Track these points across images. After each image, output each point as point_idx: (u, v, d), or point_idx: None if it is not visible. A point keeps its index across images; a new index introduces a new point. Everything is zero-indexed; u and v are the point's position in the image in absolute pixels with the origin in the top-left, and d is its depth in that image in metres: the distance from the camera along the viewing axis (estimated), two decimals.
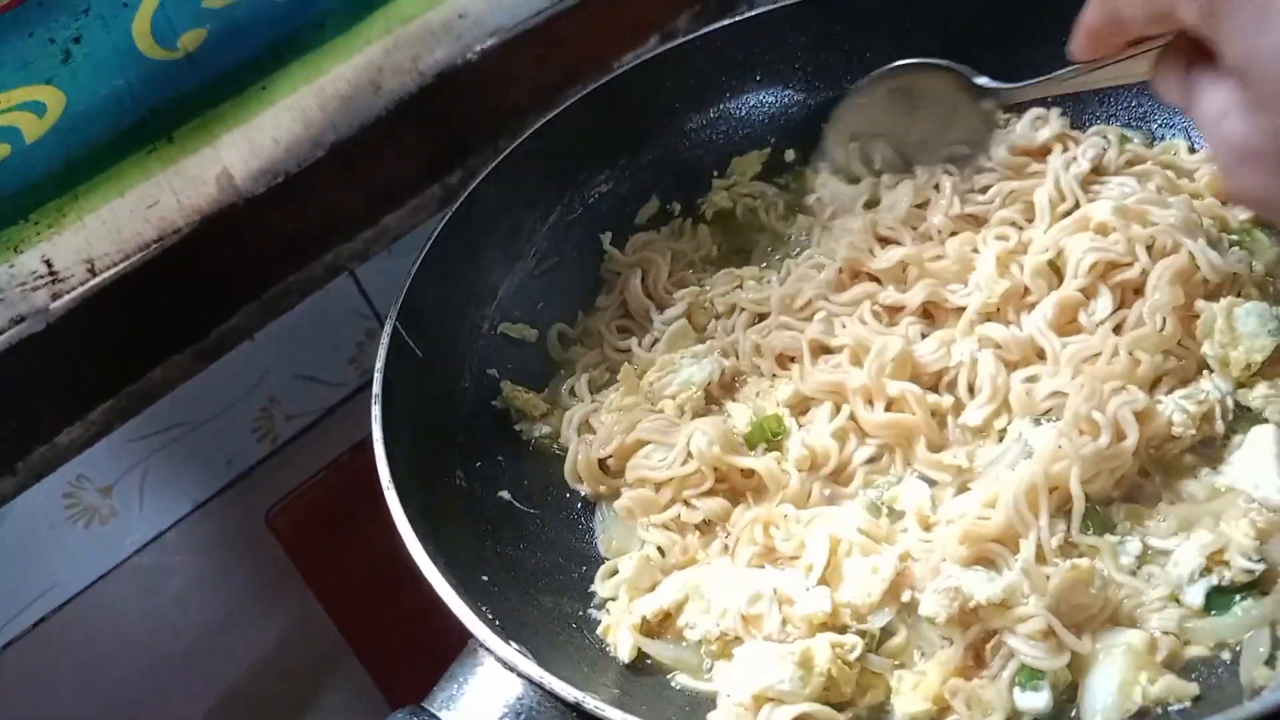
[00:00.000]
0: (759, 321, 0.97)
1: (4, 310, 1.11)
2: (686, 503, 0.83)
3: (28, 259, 1.11)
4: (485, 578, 0.83)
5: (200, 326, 1.27)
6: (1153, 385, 0.81)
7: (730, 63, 1.16)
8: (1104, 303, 0.83)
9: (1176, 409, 0.78)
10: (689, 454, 0.83)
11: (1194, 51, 0.59)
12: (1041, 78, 0.79)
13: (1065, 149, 0.93)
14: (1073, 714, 0.69)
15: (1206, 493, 0.76)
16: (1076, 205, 0.91)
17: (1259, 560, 0.70)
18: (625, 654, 0.76)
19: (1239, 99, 0.55)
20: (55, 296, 1.14)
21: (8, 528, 1.16)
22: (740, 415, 0.89)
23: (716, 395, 0.92)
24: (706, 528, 0.84)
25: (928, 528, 0.78)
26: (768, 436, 0.86)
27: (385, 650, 1.05)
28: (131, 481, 1.25)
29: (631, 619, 0.77)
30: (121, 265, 1.17)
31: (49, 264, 1.13)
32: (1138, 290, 0.85)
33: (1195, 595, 0.72)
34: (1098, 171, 0.94)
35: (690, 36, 1.15)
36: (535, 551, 0.88)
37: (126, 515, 1.25)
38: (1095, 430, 0.75)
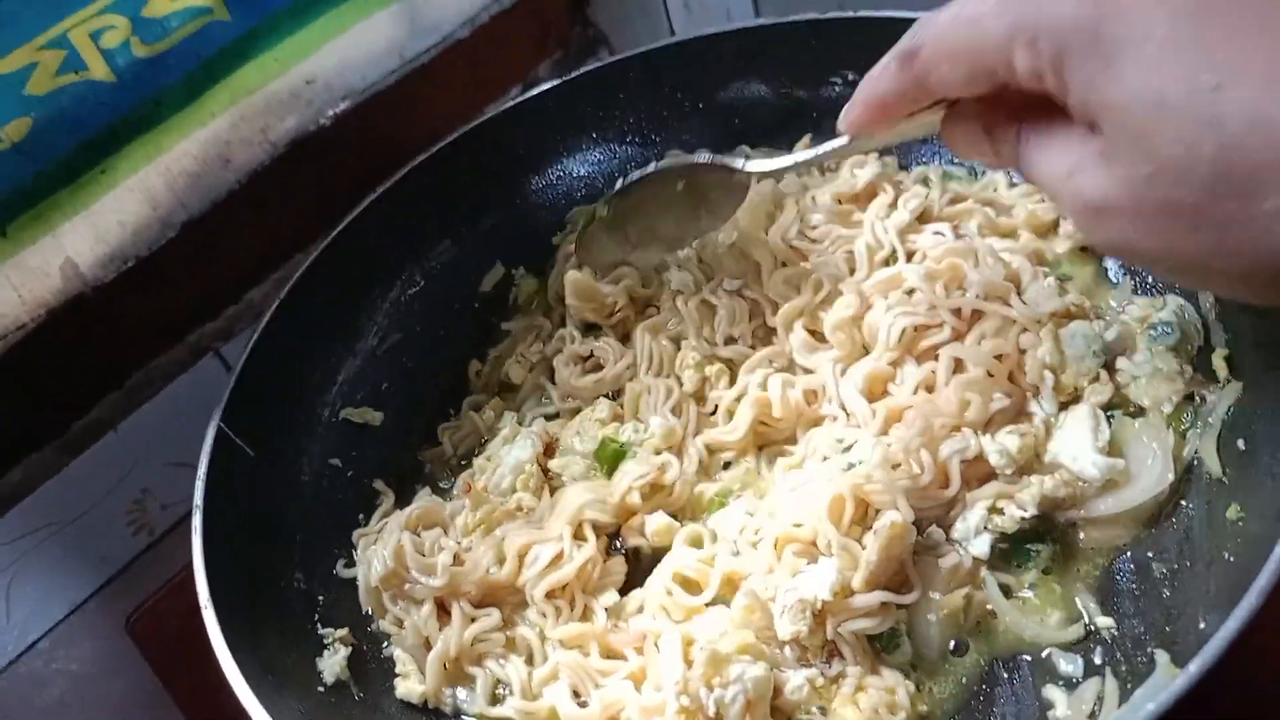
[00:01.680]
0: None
1: None
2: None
3: None
4: (320, 689, 0.80)
5: (59, 421, 1.20)
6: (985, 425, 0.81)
7: (564, 122, 1.14)
8: (910, 372, 0.83)
9: (999, 451, 0.78)
10: (577, 532, 0.83)
11: (1022, 107, 0.57)
12: (807, 152, 0.77)
13: (887, 191, 0.92)
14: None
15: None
16: (895, 252, 0.91)
17: (1031, 512, 0.77)
18: None
19: (1089, 151, 0.52)
20: None
21: None
22: (574, 465, 0.87)
23: (544, 463, 0.89)
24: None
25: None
26: (611, 454, 0.88)
27: None
28: None
29: None
30: None
31: None
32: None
33: (980, 546, 0.78)
34: (922, 216, 0.93)
35: (522, 98, 1.12)
36: (380, 651, 0.84)
37: None
38: (918, 465, 0.77)
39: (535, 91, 1.11)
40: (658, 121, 1.14)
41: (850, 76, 1.06)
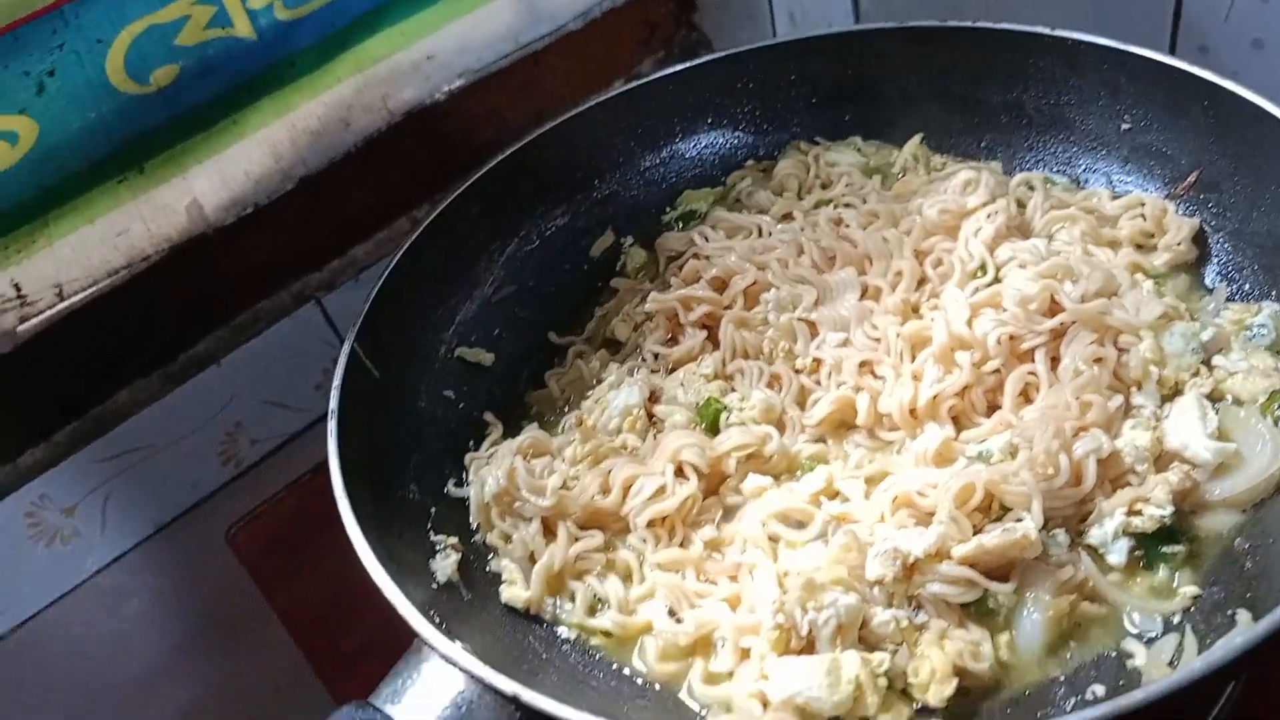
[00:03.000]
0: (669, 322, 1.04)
1: None
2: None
3: None
4: (434, 585, 0.87)
5: (167, 351, 1.29)
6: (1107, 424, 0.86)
7: (683, 105, 1.22)
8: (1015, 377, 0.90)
9: (1130, 447, 0.84)
10: (678, 470, 0.88)
11: None
12: None
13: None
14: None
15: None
16: (984, 264, 0.98)
17: (1170, 509, 0.80)
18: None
19: None
20: (23, 319, 1.16)
21: None
22: (677, 414, 0.94)
23: (649, 409, 0.96)
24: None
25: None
26: (713, 412, 0.93)
27: (346, 669, 1.07)
28: (94, 503, 1.26)
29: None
30: (90, 290, 1.19)
31: (17, 288, 1.15)
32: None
33: (1118, 554, 0.81)
34: (1021, 226, 1.00)
35: (645, 80, 1.20)
36: (485, 564, 0.91)
37: (89, 536, 1.26)
38: (1055, 468, 0.81)
39: (657, 75, 1.20)
40: (770, 111, 1.22)
41: (956, 81, 1.13)
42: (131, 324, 1.24)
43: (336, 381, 0.90)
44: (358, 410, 0.91)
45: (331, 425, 0.86)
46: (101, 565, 1.29)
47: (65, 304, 1.18)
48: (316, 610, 1.15)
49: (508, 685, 0.68)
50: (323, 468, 1.29)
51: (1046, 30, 1.05)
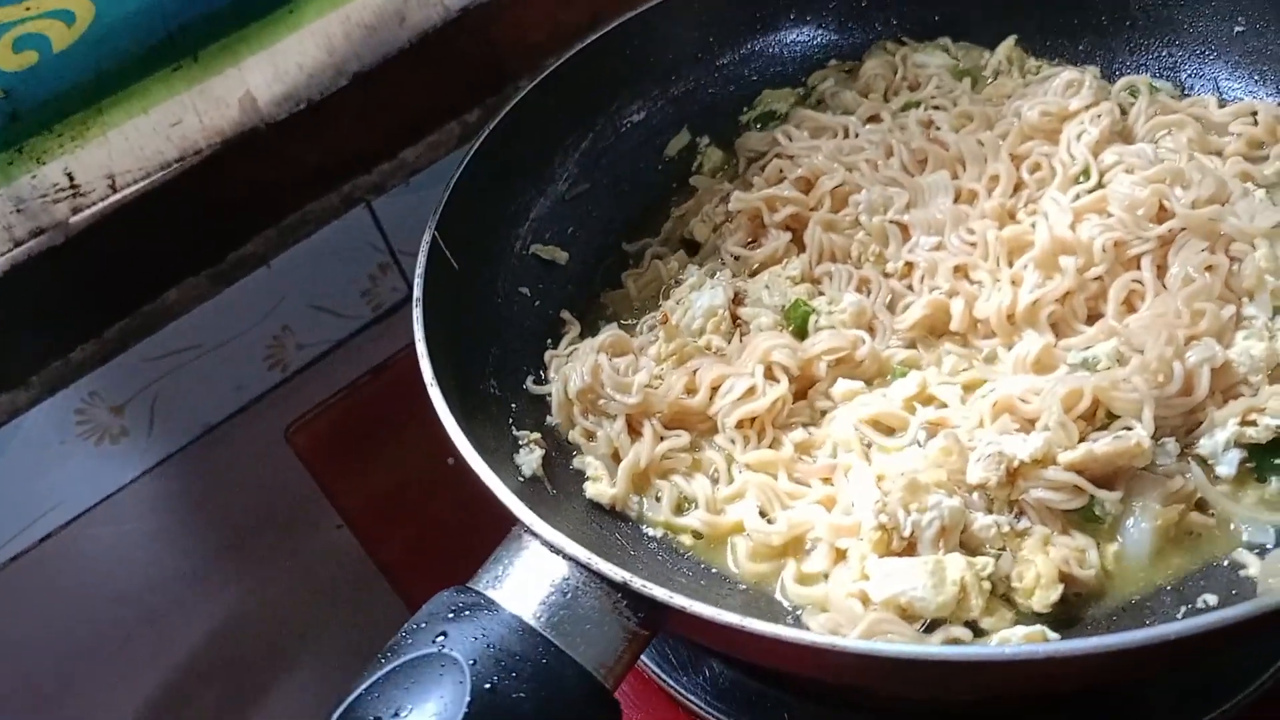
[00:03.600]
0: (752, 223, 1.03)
1: (25, 221, 1.12)
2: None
3: (50, 171, 1.11)
4: (520, 479, 0.87)
5: (216, 250, 1.28)
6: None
7: (764, 0, 1.19)
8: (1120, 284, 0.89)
9: (1244, 355, 0.82)
10: (768, 371, 0.88)
11: None
12: None
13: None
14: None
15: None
16: (1087, 169, 0.96)
17: None
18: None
19: None
20: (75, 210, 1.15)
21: (20, 441, 1.17)
22: (763, 316, 0.93)
23: (733, 310, 0.95)
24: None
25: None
26: (801, 315, 0.93)
27: (408, 563, 1.08)
28: (143, 402, 1.26)
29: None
30: (142, 183, 1.17)
31: (70, 177, 1.13)
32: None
33: (1228, 465, 0.80)
34: (1123, 132, 0.97)
35: None
36: (569, 461, 0.91)
37: (137, 435, 1.26)
38: (1167, 376, 0.80)
39: None
40: (855, 9, 1.19)
41: None
42: (182, 220, 1.23)
43: (419, 269, 0.89)
44: (438, 301, 0.90)
45: (417, 313, 0.85)
46: (149, 465, 1.30)
47: (118, 196, 1.17)
48: (378, 508, 1.16)
49: (617, 572, 0.67)
50: (382, 369, 1.30)
51: None
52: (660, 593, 0.66)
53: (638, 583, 0.67)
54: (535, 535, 0.71)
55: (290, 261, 1.31)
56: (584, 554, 0.69)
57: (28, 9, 1.02)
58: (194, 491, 1.34)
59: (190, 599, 1.37)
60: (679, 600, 0.66)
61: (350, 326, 1.41)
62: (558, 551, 0.70)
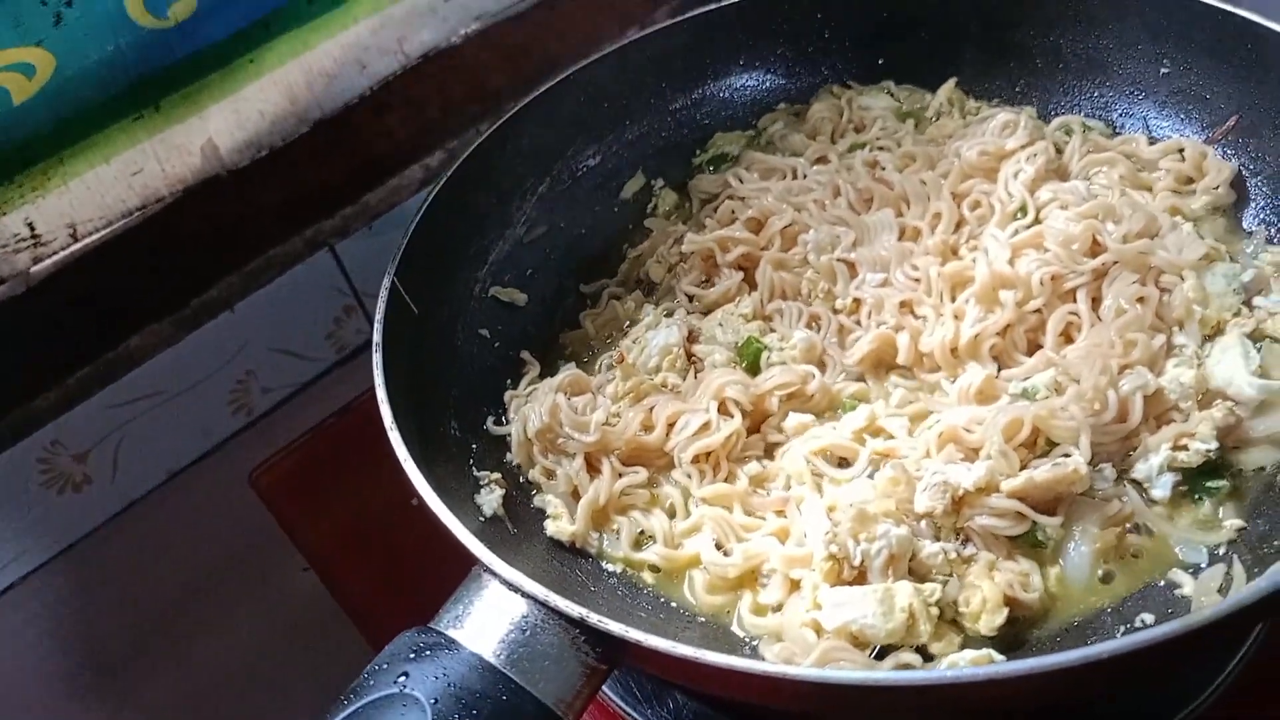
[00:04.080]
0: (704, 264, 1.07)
1: None
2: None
3: (10, 221, 1.12)
4: (480, 519, 0.88)
5: (180, 296, 1.29)
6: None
7: (714, 47, 1.22)
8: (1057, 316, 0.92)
9: (1174, 382, 0.86)
10: (721, 407, 0.90)
11: None
12: None
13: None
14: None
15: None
16: (1024, 205, 0.99)
17: (1215, 445, 0.82)
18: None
19: None
20: (36, 260, 1.15)
21: None
22: (717, 353, 0.96)
23: (688, 348, 0.98)
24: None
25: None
26: (753, 352, 0.95)
27: (373, 603, 1.09)
28: (107, 449, 1.26)
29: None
30: (104, 231, 1.18)
31: (31, 227, 1.14)
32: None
33: (1163, 488, 0.83)
34: (1059, 170, 1.01)
35: (676, 20, 1.21)
36: (529, 500, 0.92)
37: (100, 482, 1.26)
38: (1103, 404, 0.83)
39: (687, 15, 1.20)
40: (802, 54, 1.23)
41: (991, 24, 1.15)
42: (145, 266, 1.24)
43: (379, 315, 0.90)
44: (398, 346, 0.91)
45: (377, 358, 0.86)
46: (114, 512, 1.29)
47: (79, 245, 1.18)
48: (342, 548, 1.16)
49: (573, 609, 0.69)
50: (345, 411, 1.31)
51: None
52: (616, 627, 0.68)
53: (594, 618, 0.69)
54: (494, 574, 0.72)
55: (254, 306, 1.32)
56: (541, 591, 0.70)
57: None
58: (158, 538, 1.33)
59: (155, 644, 1.36)
60: (634, 634, 0.67)
61: (315, 369, 1.42)
62: (516, 590, 0.71)
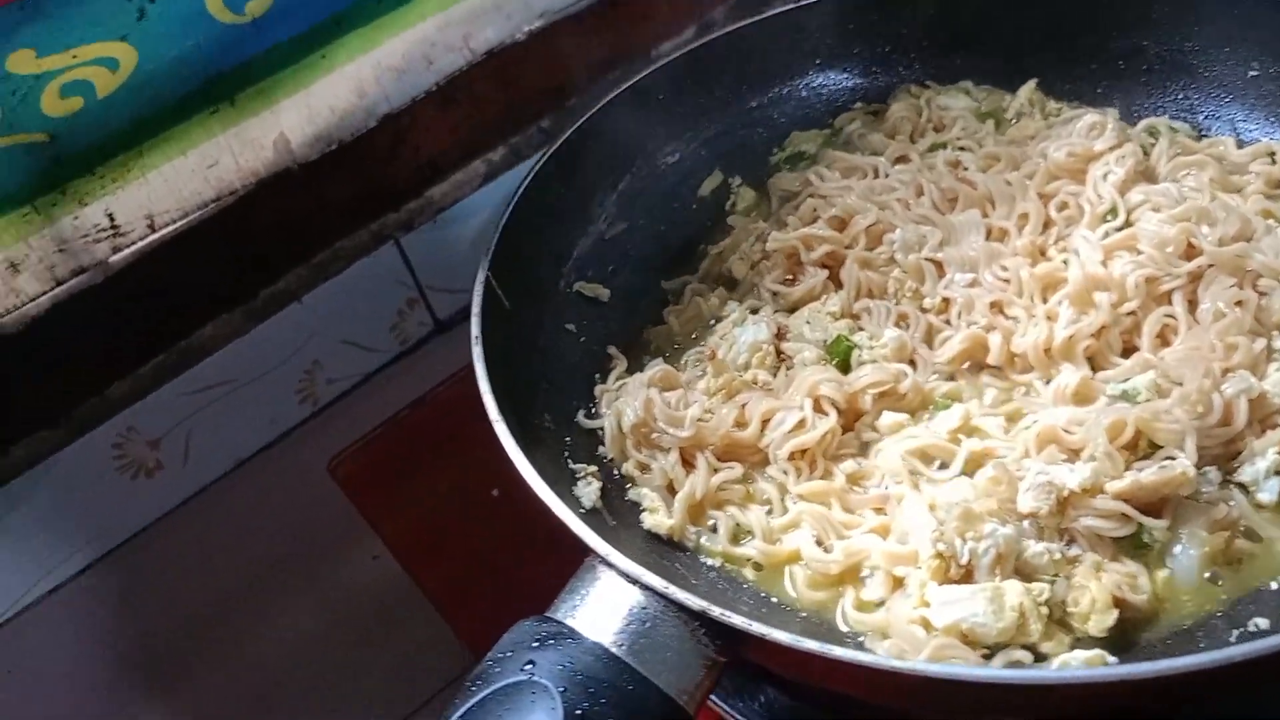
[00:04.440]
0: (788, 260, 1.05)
1: (66, 260, 1.14)
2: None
3: (91, 212, 1.13)
4: (581, 511, 0.88)
5: (250, 287, 1.30)
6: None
7: (791, 46, 1.22)
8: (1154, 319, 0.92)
9: (1277, 386, 0.85)
10: (816, 404, 0.89)
11: None
12: None
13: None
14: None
15: None
16: (1114, 207, 0.99)
17: None
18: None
19: None
20: (115, 250, 1.16)
21: (57, 476, 1.18)
22: (806, 351, 0.96)
23: (777, 345, 0.97)
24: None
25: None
26: (844, 350, 0.95)
27: (452, 591, 1.09)
28: (178, 437, 1.27)
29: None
30: (180, 223, 1.19)
31: (111, 218, 1.15)
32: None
33: (1269, 492, 0.82)
34: (1146, 172, 1.01)
35: (753, 19, 1.20)
36: (624, 493, 0.92)
37: (172, 468, 1.27)
38: (1207, 407, 0.82)
39: (770, 13, 1.20)
40: (879, 54, 1.23)
41: (1073, 25, 1.14)
42: (217, 258, 1.25)
43: (475, 308, 0.90)
44: (492, 340, 0.92)
45: (477, 350, 0.86)
46: (185, 498, 1.30)
47: (156, 235, 1.19)
48: (421, 538, 1.17)
49: (696, 602, 0.69)
50: (420, 403, 1.31)
51: None
52: (739, 620, 0.68)
53: (716, 611, 0.69)
54: (612, 566, 0.72)
55: (321, 298, 1.33)
56: (660, 583, 0.70)
57: (74, 56, 1.03)
58: (228, 524, 1.34)
59: (221, 629, 1.37)
60: (758, 628, 0.67)
61: (378, 360, 1.43)
62: (634, 581, 0.71)
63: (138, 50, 1.06)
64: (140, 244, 1.18)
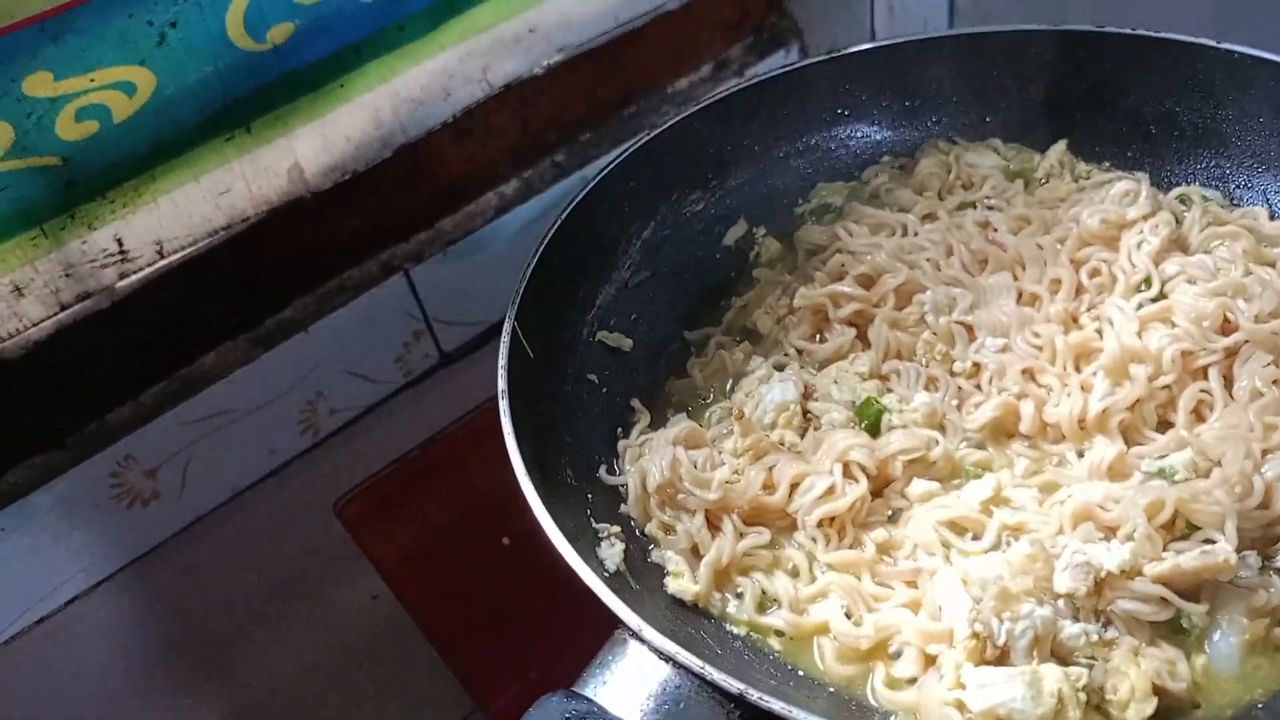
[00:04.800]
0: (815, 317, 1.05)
1: (72, 285, 1.11)
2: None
3: (100, 236, 1.11)
4: (605, 574, 0.86)
5: (256, 315, 1.28)
6: None
7: (820, 98, 1.21)
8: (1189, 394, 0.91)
9: None
10: (846, 470, 0.88)
11: None
12: None
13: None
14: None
15: None
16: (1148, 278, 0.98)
17: None
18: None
19: None
20: (123, 275, 1.14)
21: (53, 503, 1.15)
22: (835, 412, 0.94)
23: (804, 405, 0.95)
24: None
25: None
26: (874, 413, 0.93)
27: (456, 637, 1.06)
28: (176, 465, 1.24)
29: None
30: (189, 249, 1.17)
31: (120, 243, 1.13)
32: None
33: None
34: (1177, 241, 1.00)
35: (783, 70, 1.19)
36: (646, 554, 0.90)
37: (168, 498, 1.24)
38: (1246, 489, 0.81)
39: (801, 64, 1.19)
40: (908, 108, 1.22)
41: (1105, 88, 1.14)
42: (225, 285, 1.23)
43: (502, 361, 0.88)
44: (517, 390, 0.89)
45: (503, 405, 0.84)
46: (180, 528, 1.27)
47: (164, 262, 1.17)
48: (426, 581, 1.14)
49: (733, 684, 0.67)
50: (431, 443, 1.29)
51: (1212, 42, 1.05)
52: (779, 706, 0.66)
53: (754, 694, 0.66)
54: (645, 643, 0.70)
55: (328, 327, 1.31)
56: (696, 663, 0.68)
57: (92, 80, 1.02)
58: (222, 557, 1.31)
59: (213, 662, 1.34)
60: (799, 714, 0.65)
61: (382, 391, 1.41)
62: (667, 659, 0.69)
63: (156, 75, 1.05)
64: (148, 270, 1.16)
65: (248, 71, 1.10)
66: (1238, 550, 0.82)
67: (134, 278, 1.15)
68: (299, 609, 1.38)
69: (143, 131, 1.06)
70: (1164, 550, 0.81)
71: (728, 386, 1.05)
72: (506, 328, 0.92)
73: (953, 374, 0.99)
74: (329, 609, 1.39)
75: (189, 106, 1.08)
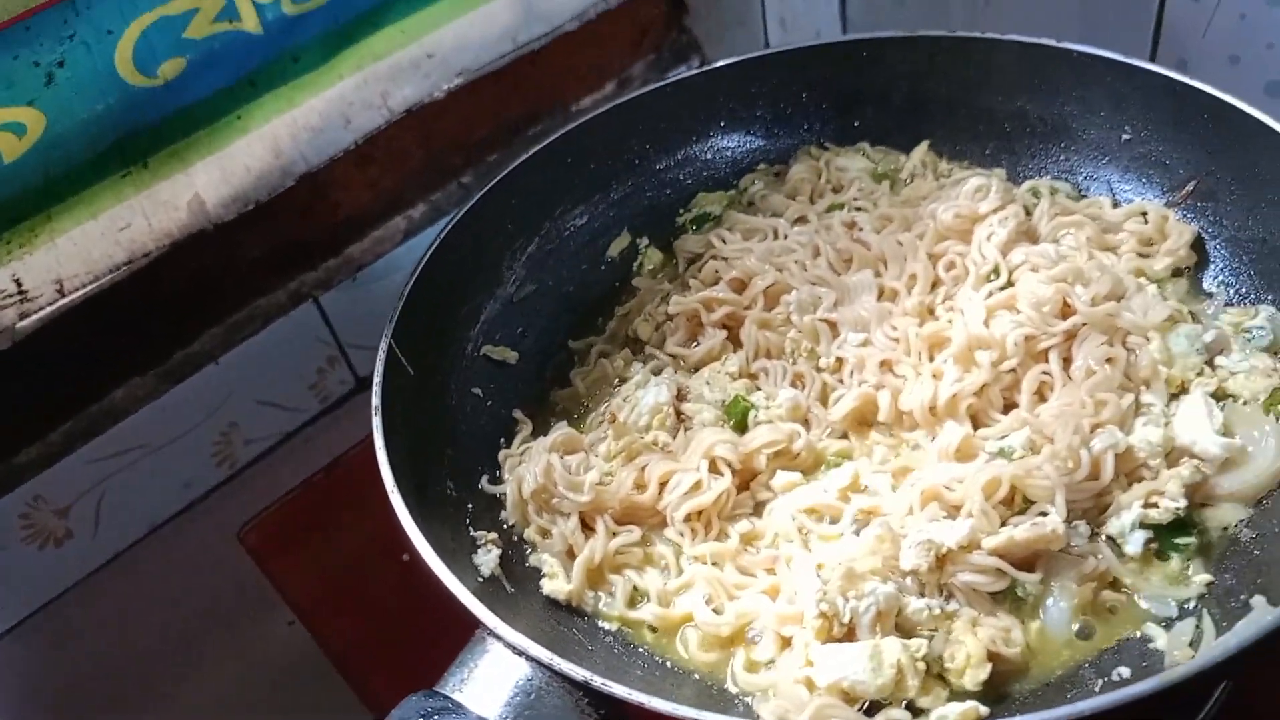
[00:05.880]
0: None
1: None
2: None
3: None
4: (479, 579, 0.91)
5: (164, 349, 1.30)
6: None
7: (696, 110, 1.27)
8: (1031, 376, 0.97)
9: (1143, 440, 0.90)
10: (712, 465, 0.93)
11: None
12: None
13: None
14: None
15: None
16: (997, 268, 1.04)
17: (1183, 502, 0.86)
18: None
19: None
20: (23, 315, 1.16)
21: None
22: (705, 411, 0.99)
23: (677, 406, 1.01)
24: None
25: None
26: (741, 410, 0.98)
27: (362, 657, 1.10)
28: (89, 503, 1.26)
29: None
30: (90, 286, 1.19)
31: (19, 283, 1.15)
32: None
33: (1135, 544, 0.87)
34: (1028, 231, 1.06)
35: (660, 84, 1.25)
36: (524, 558, 0.95)
37: (81, 537, 1.26)
38: (1076, 463, 0.86)
39: (676, 77, 1.25)
40: (781, 117, 1.28)
41: (962, 89, 1.21)
42: (130, 321, 1.25)
43: (377, 378, 0.93)
44: (394, 407, 0.94)
45: (376, 421, 0.89)
46: (95, 567, 1.29)
47: (65, 300, 1.19)
48: (331, 604, 1.18)
49: (578, 672, 0.72)
50: (334, 466, 1.32)
51: (1053, 42, 1.12)
52: (620, 690, 0.71)
53: (598, 681, 0.71)
54: (499, 638, 0.75)
55: (238, 358, 1.33)
56: (545, 655, 0.73)
57: None
58: (139, 593, 1.33)
59: (136, 700, 1.36)
60: (638, 697, 0.70)
61: (298, 419, 1.43)
62: (520, 653, 0.74)
63: (45, 114, 1.07)
64: (49, 309, 1.18)
65: (141, 108, 1.14)
66: (1069, 520, 0.88)
67: (35, 317, 1.17)
68: (219, 641, 1.40)
69: (35, 171, 1.09)
70: (1002, 525, 0.87)
71: (610, 393, 1.10)
72: (382, 346, 0.96)
73: (818, 370, 1.05)
74: (246, 638, 1.41)
75: (81, 145, 1.11)
